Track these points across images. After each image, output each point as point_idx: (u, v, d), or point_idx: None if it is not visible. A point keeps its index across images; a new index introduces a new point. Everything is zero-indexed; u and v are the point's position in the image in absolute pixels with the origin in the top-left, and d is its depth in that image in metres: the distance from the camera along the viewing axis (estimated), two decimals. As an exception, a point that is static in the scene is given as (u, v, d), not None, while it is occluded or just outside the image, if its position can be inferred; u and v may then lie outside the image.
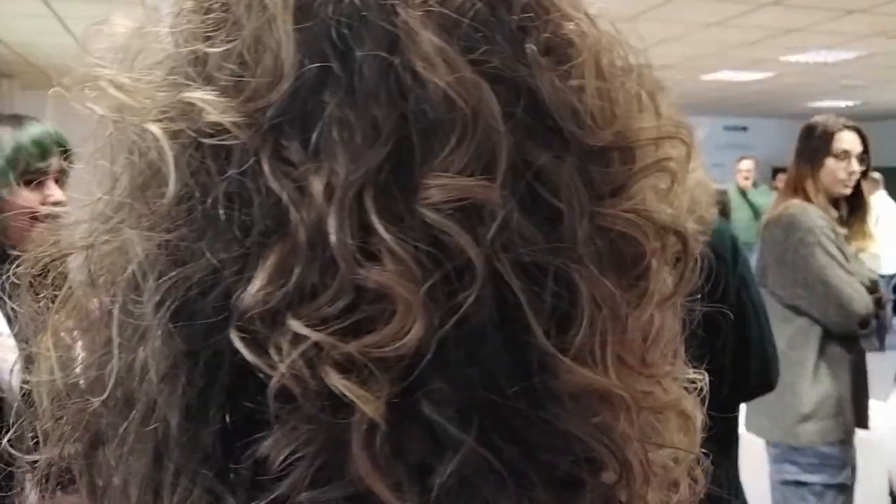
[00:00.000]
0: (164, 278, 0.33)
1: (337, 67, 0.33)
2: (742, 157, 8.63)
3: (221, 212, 0.33)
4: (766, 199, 7.57)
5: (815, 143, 2.79)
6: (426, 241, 0.31)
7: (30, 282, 0.41)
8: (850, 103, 10.39)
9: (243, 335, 0.32)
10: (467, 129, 0.32)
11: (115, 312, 0.35)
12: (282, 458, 0.32)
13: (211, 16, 0.36)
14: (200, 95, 0.33)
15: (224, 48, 0.34)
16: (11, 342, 1.64)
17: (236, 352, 0.32)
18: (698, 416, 0.40)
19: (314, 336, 0.31)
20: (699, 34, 6.51)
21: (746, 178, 8.44)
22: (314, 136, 0.32)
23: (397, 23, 0.33)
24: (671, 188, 0.38)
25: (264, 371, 0.31)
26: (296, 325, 0.31)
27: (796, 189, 2.78)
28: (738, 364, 2.04)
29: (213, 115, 0.33)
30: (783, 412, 2.71)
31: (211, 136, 0.33)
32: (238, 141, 0.33)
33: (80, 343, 0.39)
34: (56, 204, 1.74)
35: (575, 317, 0.34)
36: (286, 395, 0.32)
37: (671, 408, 0.38)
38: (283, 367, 0.31)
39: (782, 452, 2.76)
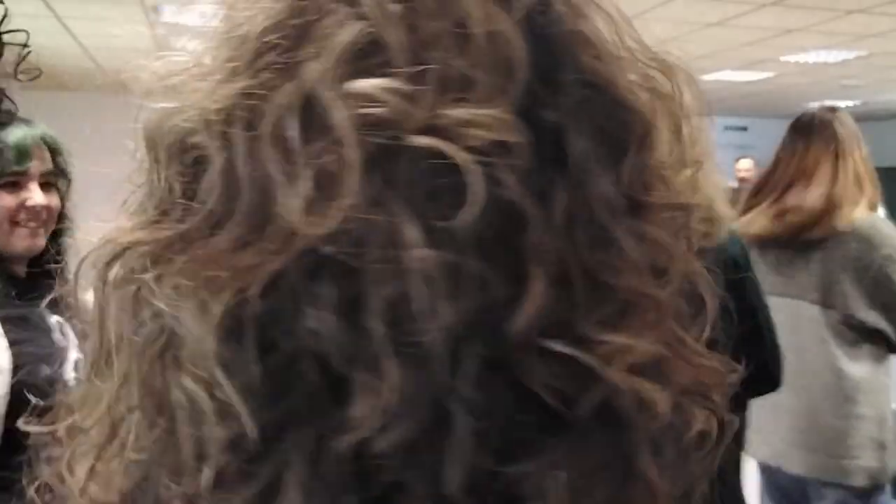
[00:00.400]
0: (455, 302, 0.32)
1: (548, 88, 0.35)
2: (740, 157, 8.66)
3: (494, 232, 0.32)
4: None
5: (854, 133, 2.38)
6: (653, 253, 0.36)
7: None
8: (849, 103, 10.39)
9: (535, 354, 0.33)
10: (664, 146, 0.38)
11: (385, 337, 0.32)
12: (545, 480, 0.33)
13: (447, 27, 0.35)
14: (477, 111, 0.33)
15: (466, 59, 0.34)
16: (3, 343, 1.64)
17: (513, 372, 0.33)
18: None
19: (621, 342, 0.34)
20: (699, 34, 6.51)
21: (744, 179, 8.47)
22: (555, 151, 0.34)
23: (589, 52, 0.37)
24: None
25: (558, 387, 0.33)
26: (596, 333, 0.34)
27: (839, 193, 2.30)
28: (750, 363, 2.01)
29: (492, 133, 0.32)
30: (868, 449, 2.33)
31: (482, 152, 0.32)
32: (512, 158, 0.33)
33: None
34: (34, 207, 1.74)
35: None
36: (554, 414, 0.33)
37: None
38: (612, 375, 0.33)
39: (853, 495, 2.35)
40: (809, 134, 2.39)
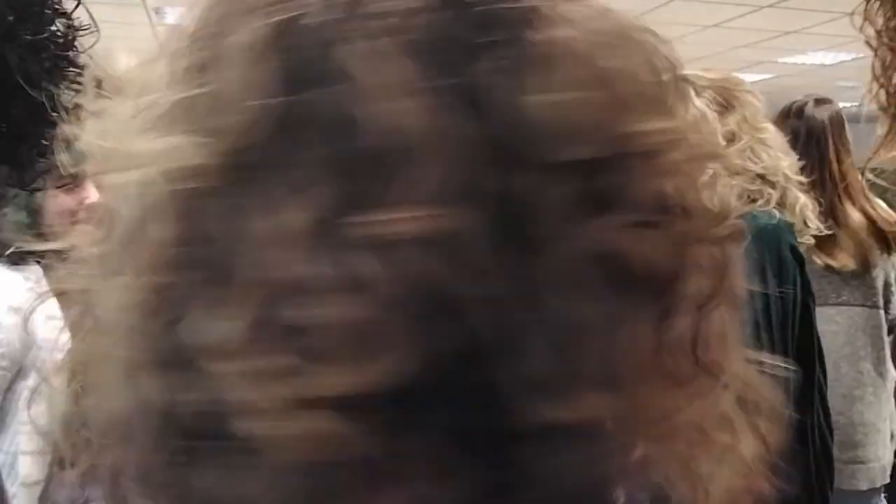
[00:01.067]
0: None
1: (289, 106, 0.32)
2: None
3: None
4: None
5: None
6: (370, 279, 0.30)
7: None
8: (847, 105, 10.41)
9: None
10: (419, 160, 0.31)
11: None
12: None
13: (191, 60, 0.34)
14: (171, 140, 0.33)
15: (198, 92, 0.33)
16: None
17: None
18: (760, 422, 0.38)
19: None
20: (697, 36, 6.54)
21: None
22: (272, 179, 0.31)
23: (350, 54, 0.32)
24: (686, 190, 0.35)
25: None
26: None
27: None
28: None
29: (184, 161, 0.32)
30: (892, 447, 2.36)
31: (183, 180, 0.33)
32: (209, 185, 0.32)
33: None
34: (93, 205, 1.79)
35: (548, 347, 0.32)
36: None
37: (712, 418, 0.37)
38: None
39: (878, 494, 2.34)
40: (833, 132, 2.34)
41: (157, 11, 5.96)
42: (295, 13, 0.33)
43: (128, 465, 0.35)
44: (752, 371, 0.39)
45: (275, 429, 0.30)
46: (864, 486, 2.33)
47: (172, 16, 5.98)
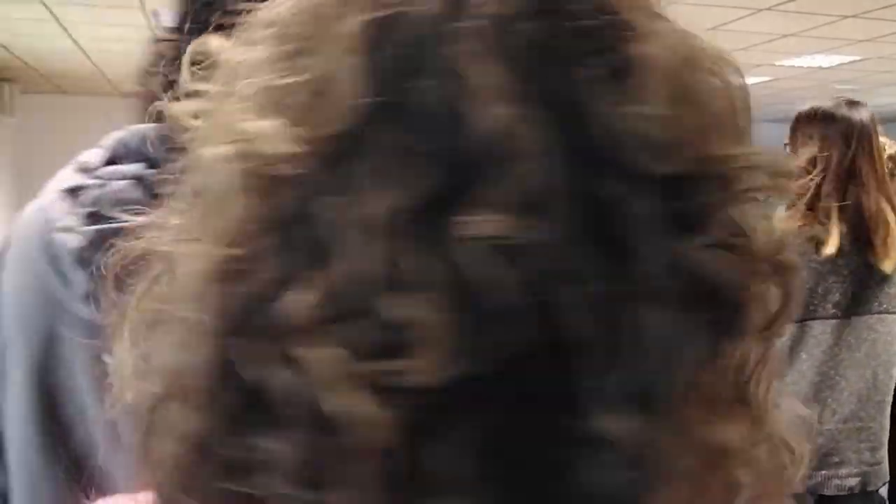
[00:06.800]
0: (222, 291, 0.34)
1: (392, 100, 0.32)
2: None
3: (275, 236, 0.33)
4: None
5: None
6: (454, 277, 0.31)
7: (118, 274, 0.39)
8: (845, 108, 10.40)
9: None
10: (509, 164, 0.31)
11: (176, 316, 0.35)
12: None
13: (286, 47, 0.35)
14: (265, 125, 0.33)
15: (295, 79, 0.34)
16: None
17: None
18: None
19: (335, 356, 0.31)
20: (695, 39, 6.54)
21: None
22: (362, 168, 0.32)
23: (453, 55, 0.32)
24: (761, 218, 0.36)
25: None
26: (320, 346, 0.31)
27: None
28: None
29: (278, 146, 0.33)
30: None
31: (275, 164, 0.33)
32: (298, 170, 0.32)
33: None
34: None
35: (630, 359, 0.32)
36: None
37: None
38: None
39: None
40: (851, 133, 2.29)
41: (155, 14, 5.97)
42: (397, 8, 0.33)
43: (183, 423, 0.35)
44: (780, 410, 0.39)
45: (342, 409, 0.31)
46: (880, 484, 2.40)
47: (170, 19, 5.98)
